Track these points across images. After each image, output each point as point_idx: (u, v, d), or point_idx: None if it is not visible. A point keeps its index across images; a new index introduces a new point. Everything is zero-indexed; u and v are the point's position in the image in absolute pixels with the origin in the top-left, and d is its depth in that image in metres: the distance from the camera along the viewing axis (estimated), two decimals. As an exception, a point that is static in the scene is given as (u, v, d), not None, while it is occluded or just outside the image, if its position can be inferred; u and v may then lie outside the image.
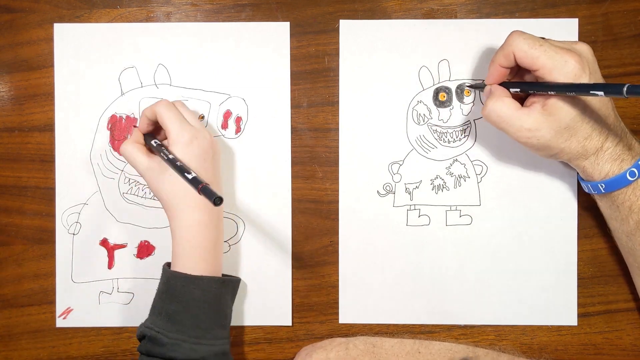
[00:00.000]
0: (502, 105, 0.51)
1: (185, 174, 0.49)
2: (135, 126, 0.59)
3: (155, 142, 0.55)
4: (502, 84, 0.53)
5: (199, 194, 0.47)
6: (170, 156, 0.51)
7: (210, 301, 0.52)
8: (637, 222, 0.51)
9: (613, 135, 0.51)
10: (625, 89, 0.43)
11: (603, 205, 0.54)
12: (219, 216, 0.55)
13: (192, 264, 0.53)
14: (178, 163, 0.51)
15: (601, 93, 0.45)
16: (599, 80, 0.51)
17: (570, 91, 0.48)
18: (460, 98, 0.59)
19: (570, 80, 0.49)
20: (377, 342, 0.58)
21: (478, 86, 0.58)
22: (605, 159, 0.51)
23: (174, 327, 0.51)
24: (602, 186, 0.52)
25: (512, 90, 0.53)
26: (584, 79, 0.49)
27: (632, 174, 0.50)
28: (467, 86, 0.59)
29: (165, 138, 0.55)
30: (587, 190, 0.54)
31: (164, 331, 0.51)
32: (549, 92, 0.49)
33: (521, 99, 0.53)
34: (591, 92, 0.46)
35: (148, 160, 0.54)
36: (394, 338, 0.58)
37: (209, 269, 0.53)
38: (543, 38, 0.51)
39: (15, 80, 0.60)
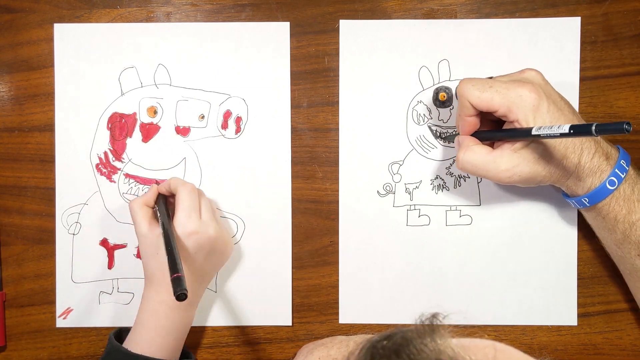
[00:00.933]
0: (473, 154, 0.52)
1: (170, 256, 0.49)
2: (156, 183, 0.59)
3: (160, 215, 0.54)
4: (474, 134, 0.54)
5: (170, 279, 0.47)
6: (168, 236, 0.51)
7: None
8: (624, 231, 0.51)
9: (587, 148, 0.50)
10: (593, 128, 0.44)
11: (590, 217, 0.54)
12: (192, 304, 0.55)
13: (146, 344, 0.53)
14: (171, 245, 0.50)
15: (571, 134, 0.46)
16: (557, 100, 0.51)
17: (540, 137, 0.48)
18: (460, 98, 0.59)
19: (530, 112, 0.49)
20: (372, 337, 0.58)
21: (451, 137, 0.59)
22: (586, 174, 0.50)
23: None
24: (585, 200, 0.51)
25: (482, 137, 0.53)
26: (543, 106, 0.49)
27: (612, 183, 0.50)
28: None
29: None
30: (573, 206, 0.54)
31: None
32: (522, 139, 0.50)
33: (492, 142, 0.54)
34: (561, 134, 0.46)
35: (148, 228, 0.54)
36: None
37: (162, 354, 0.53)
38: (491, 78, 0.52)
39: (15, 80, 0.60)
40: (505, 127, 0.52)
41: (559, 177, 0.51)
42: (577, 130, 0.45)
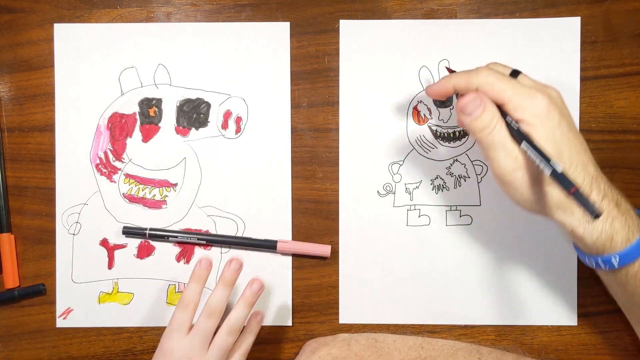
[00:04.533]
0: (501, 133, 0.47)
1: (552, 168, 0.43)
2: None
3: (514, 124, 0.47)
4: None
5: (570, 197, 0.42)
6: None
7: None
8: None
9: (596, 189, 0.46)
10: (572, 191, 0.42)
11: (608, 279, 0.50)
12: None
13: None
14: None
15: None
16: (570, 123, 0.47)
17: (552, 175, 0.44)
18: (460, 98, 0.59)
19: (541, 116, 0.45)
20: (380, 337, 0.58)
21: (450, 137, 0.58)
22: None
23: None
24: (615, 259, 0.46)
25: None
26: (555, 115, 0.46)
27: None
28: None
29: None
30: (591, 265, 0.48)
31: None
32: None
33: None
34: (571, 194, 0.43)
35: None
36: (397, 334, 0.58)
37: None
38: (516, 72, 0.49)
39: (15, 80, 0.60)
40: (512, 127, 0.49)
41: (562, 210, 0.47)
42: (557, 178, 0.43)
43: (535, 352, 0.59)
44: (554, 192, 0.46)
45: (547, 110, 0.46)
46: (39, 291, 0.59)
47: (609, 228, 0.46)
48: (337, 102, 0.60)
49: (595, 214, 0.42)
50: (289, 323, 0.60)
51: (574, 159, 0.46)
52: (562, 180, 0.43)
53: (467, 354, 0.56)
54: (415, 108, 0.59)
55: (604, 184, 0.47)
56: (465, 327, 0.59)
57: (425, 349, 0.57)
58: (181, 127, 0.60)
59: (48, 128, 0.60)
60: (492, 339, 0.59)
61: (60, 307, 0.60)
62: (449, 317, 0.59)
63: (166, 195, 0.60)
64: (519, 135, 0.46)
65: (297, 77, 0.60)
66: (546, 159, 0.44)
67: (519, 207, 0.49)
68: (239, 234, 0.60)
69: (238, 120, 0.60)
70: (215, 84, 0.60)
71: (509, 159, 0.46)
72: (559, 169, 0.43)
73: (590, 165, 0.47)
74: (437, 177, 0.59)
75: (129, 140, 0.60)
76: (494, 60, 0.59)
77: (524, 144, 0.45)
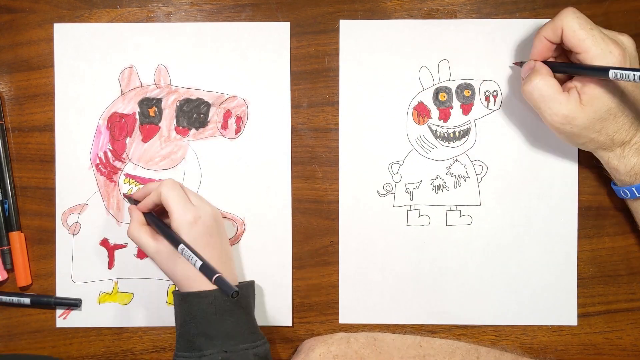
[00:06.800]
0: (546, 84, 0.51)
1: (197, 262, 0.49)
2: (133, 201, 0.57)
3: (158, 226, 0.54)
4: (546, 63, 0.53)
5: (213, 284, 0.48)
6: (180, 244, 0.51)
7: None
8: None
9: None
10: None
11: (630, 201, 0.54)
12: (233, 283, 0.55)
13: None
14: (186, 251, 0.50)
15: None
16: None
17: (614, 77, 0.47)
18: (460, 98, 0.59)
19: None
20: (379, 336, 0.58)
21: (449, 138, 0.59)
22: (632, 152, 0.51)
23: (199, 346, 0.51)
24: None
25: (556, 70, 0.53)
26: (627, 65, 0.49)
27: None
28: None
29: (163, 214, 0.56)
30: (625, 196, 0.53)
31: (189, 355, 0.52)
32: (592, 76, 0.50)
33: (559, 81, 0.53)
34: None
35: (155, 243, 0.53)
36: (395, 333, 0.58)
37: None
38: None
39: (15, 80, 0.60)
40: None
41: (604, 145, 0.52)
42: None
43: (535, 352, 0.59)
44: (600, 137, 0.51)
45: (621, 64, 0.49)
46: (75, 304, 0.59)
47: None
48: (337, 102, 0.60)
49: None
50: (289, 323, 0.60)
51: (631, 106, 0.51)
52: None
53: (465, 353, 0.56)
54: (415, 108, 0.59)
55: None
56: (465, 327, 0.59)
57: (423, 347, 0.57)
58: (181, 127, 0.60)
59: (48, 128, 0.60)
60: (492, 339, 0.59)
61: (60, 307, 0.60)
62: (449, 317, 0.59)
63: (166, 195, 0.60)
64: (602, 74, 0.49)
65: (297, 77, 0.60)
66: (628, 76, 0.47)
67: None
68: (239, 234, 0.60)
69: (238, 120, 0.60)
70: (215, 84, 0.60)
71: (561, 118, 0.51)
72: None
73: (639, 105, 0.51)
74: (437, 177, 0.59)
75: (128, 140, 0.60)
76: (494, 60, 0.59)
77: (612, 73, 0.48)
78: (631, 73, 0.46)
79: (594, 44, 0.49)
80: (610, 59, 0.49)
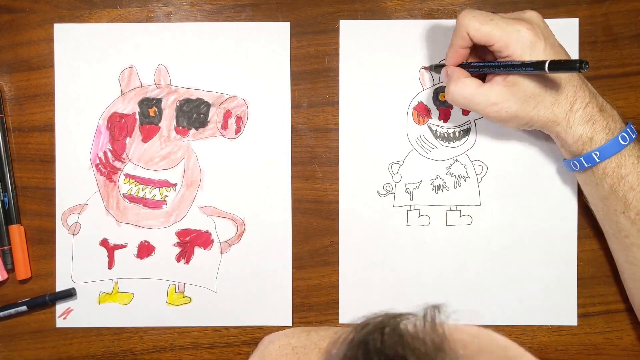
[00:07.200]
0: (464, 86, 0.52)
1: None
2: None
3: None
4: (460, 66, 0.54)
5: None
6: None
7: None
8: (611, 186, 0.52)
9: (581, 97, 0.51)
10: (547, 64, 0.47)
11: (585, 179, 0.54)
12: None
13: None
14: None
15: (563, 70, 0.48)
16: (554, 44, 0.52)
17: (523, 69, 0.49)
18: (460, 98, 0.59)
19: (527, 48, 0.50)
20: (339, 330, 0.58)
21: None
22: (577, 122, 0.51)
23: None
24: (596, 155, 0.51)
25: (470, 71, 0.54)
26: (540, 45, 0.50)
27: (624, 139, 0.51)
28: (422, 68, 0.59)
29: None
30: (575, 168, 0.54)
31: None
32: (508, 72, 0.51)
33: (482, 76, 0.54)
34: (550, 70, 0.47)
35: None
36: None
37: None
38: (494, 12, 0.52)
39: (15, 80, 0.60)
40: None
41: (548, 121, 0.52)
42: (533, 65, 0.48)
43: (535, 352, 0.59)
44: (540, 112, 0.51)
45: (533, 41, 0.50)
46: (69, 295, 0.59)
47: (589, 130, 0.51)
48: (337, 102, 0.60)
49: (579, 63, 0.46)
50: (289, 323, 0.60)
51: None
52: (534, 65, 0.48)
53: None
54: (415, 108, 0.59)
55: (588, 91, 0.52)
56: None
57: None
58: (181, 127, 0.60)
59: (48, 128, 0.60)
60: (492, 339, 0.59)
61: (60, 307, 0.60)
62: (449, 316, 0.59)
63: (166, 195, 0.60)
64: (515, 68, 0.50)
65: (297, 77, 0.60)
66: (528, 67, 0.49)
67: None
68: (239, 234, 0.60)
69: (238, 120, 0.60)
70: (215, 84, 0.60)
71: (492, 107, 0.52)
72: (545, 63, 0.48)
73: (575, 77, 0.52)
74: (437, 177, 0.59)
75: (128, 140, 0.60)
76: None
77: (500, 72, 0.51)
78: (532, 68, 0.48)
79: (500, 32, 0.50)
80: (522, 38, 0.50)
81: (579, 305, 0.59)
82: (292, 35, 0.59)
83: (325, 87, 0.60)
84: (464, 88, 0.52)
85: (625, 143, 0.51)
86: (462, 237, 0.59)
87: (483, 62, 0.54)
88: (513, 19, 0.51)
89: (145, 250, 0.60)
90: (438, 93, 0.59)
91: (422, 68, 0.59)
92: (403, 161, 0.59)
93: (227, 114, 0.60)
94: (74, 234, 0.60)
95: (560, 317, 0.59)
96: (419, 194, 0.59)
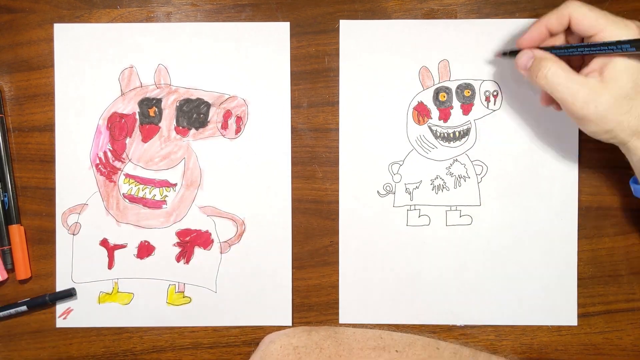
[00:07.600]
0: (560, 67, 0.49)
1: None
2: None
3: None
4: (546, 49, 0.51)
5: None
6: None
7: None
8: None
9: None
10: None
11: None
12: None
13: None
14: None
15: None
16: None
17: (618, 49, 0.46)
18: (460, 98, 0.59)
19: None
20: (340, 329, 0.58)
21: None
22: None
23: None
24: None
25: (554, 53, 0.51)
26: None
27: None
28: (496, 56, 0.57)
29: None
30: None
31: None
32: (604, 52, 0.47)
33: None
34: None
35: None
36: (357, 328, 0.59)
37: None
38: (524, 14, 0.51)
39: (15, 80, 0.60)
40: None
41: (636, 132, 0.47)
42: (630, 42, 0.45)
43: (535, 352, 0.59)
44: (630, 118, 0.47)
45: None
46: (69, 295, 0.59)
47: None
48: (337, 102, 0.60)
49: None
50: (289, 323, 0.60)
51: None
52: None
53: (425, 344, 0.57)
54: (415, 108, 0.59)
55: None
56: (465, 327, 0.59)
57: (384, 339, 0.57)
58: (181, 127, 0.60)
59: (48, 128, 0.60)
60: (491, 339, 0.59)
61: (60, 307, 0.60)
62: (449, 317, 0.59)
63: (166, 195, 0.60)
64: (609, 49, 0.47)
65: (297, 77, 0.60)
66: (620, 47, 0.46)
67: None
68: (239, 234, 0.60)
69: (238, 120, 0.60)
70: (215, 84, 0.60)
71: (582, 98, 0.48)
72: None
73: None
74: (437, 177, 0.59)
75: (128, 140, 0.60)
76: (494, 60, 0.59)
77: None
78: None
79: (610, 21, 0.47)
80: (630, 32, 0.47)
81: (579, 305, 0.59)
82: (292, 35, 0.59)
83: (325, 87, 0.60)
84: (560, 69, 0.48)
85: None
86: (462, 237, 0.59)
87: (569, 44, 0.51)
88: (621, 17, 0.49)
89: (145, 250, 0.60)
90: (438, 93, 0.59)
91: (496, 56, 0.57)
92: (403, 161, 0.59)
93: (227, 114, 0.60)
94: (74, 234, 0.60)
95: (560, 317, 0.59)
96: (419, 194, 0.59)
